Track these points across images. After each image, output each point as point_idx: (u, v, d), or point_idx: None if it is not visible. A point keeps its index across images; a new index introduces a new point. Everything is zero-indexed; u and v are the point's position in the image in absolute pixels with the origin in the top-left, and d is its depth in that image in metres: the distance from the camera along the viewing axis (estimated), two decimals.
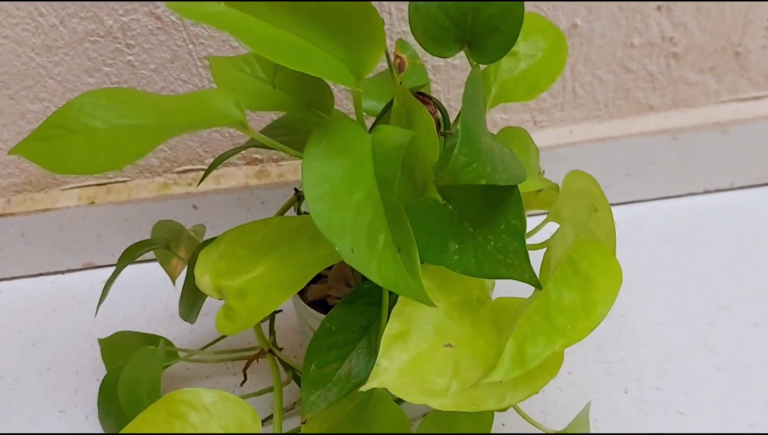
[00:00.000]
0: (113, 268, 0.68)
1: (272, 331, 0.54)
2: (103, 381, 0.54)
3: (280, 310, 0.54)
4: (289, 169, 0.63)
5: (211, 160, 0.63)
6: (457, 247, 0.34)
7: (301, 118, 0.44)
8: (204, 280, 0.41)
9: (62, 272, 0.68)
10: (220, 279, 0.40)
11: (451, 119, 0.45)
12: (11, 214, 0.64)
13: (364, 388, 0.33)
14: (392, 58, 0.49)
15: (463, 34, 0.36)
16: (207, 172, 0.46)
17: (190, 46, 0.55)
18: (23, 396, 0.60)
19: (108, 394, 0.53)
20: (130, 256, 0.49)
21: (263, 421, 0.54)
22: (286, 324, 0.61)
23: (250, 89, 0.43)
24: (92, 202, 0.63)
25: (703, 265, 0.62)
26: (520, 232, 0.31)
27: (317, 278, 0.51)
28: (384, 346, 0.33)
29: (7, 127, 0.60)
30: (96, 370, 0.60)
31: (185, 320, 0.52)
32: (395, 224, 0.33)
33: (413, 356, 0.33)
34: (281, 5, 0.33)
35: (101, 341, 0.57)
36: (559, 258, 0.31)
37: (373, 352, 0.43)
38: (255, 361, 0.53)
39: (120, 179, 0.63)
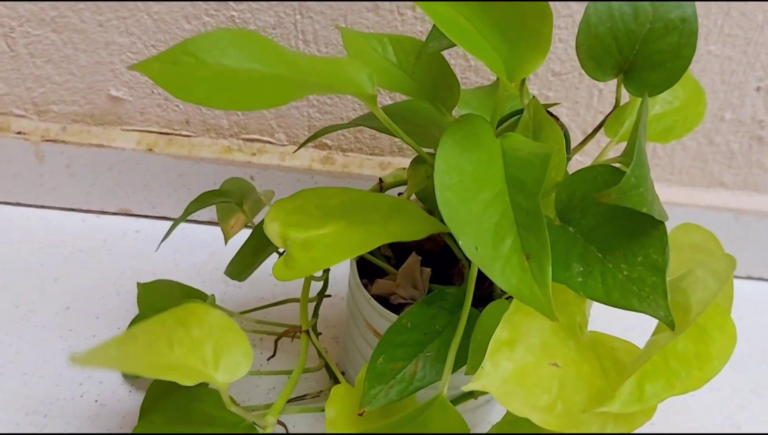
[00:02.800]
0: (149, 220, 0.66)
1: (316, 314, 0.53)
2: (134, 320, 0.51)
3: (329, 295, 0.53)
4: (354, 162, 0.62)
5: (282, 136, 0.61)
6: (581, 269, 0.33)
7: (421, 107, 0.43)
8: (272, 226, 0.40)
9: (96, 213, 0.66)
10: (288, 229, 0.39)
11: None
12: (63, 141, 0.62)
13: (466, 388, 0.32)
14: None
15: (624, 62, 0.36)
16: (308, 140, 0.45)
17: (297, 17, 0.55)
18: (37, 329, 0.57)
19: None
20: (202, 202, 0.47)
21: (289, 401, 0.53)
22: (323, 314, 0.59)
23: (377, 67, 0.42)
24: (150, 150, 0.61)
25: (738, 349, 0.62)
26: (661, 268, 0.30)
27: (383, 274, 0.50)
28: (491, 350, 0.32)
29: (86, 54, 0.58)
30: (118, 318, 0.58)
31: (233, 278, 0.50)
32: (528, 231, 0.32)
33: (518, 367, 0.32)
34: None
35: (140, 285, 0.54)
36: (703, 303, 0.30)
37: (440, 359, 0.41)
38: (290, 338, 0.52)
39: (184, 133, 0.62)
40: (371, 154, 0.63)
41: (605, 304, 0.32)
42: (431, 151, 0.44)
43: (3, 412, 0.52)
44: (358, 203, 0.42)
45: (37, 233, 0.64)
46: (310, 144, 0.62)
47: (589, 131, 0.60)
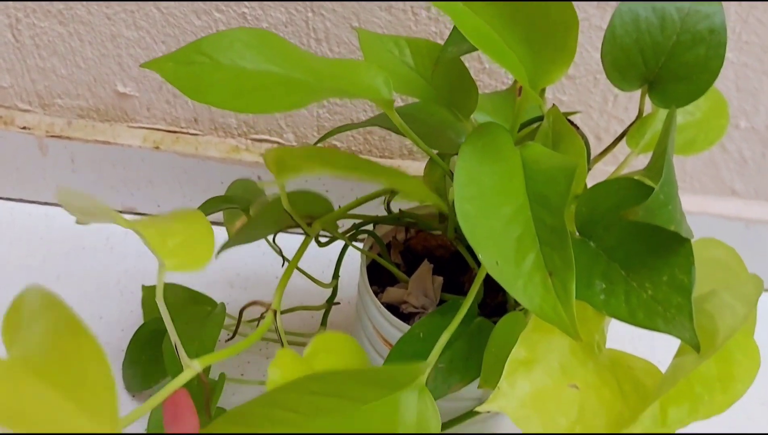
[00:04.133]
0: None
1: (324, 322, 0.52)
2: (139, 329, 0.51)
3: (338, 303, 0.52)
4: None
5: (291, 136, 0.60)
6: (604, 286, 0.32)
7: (436, 112, 0.42)
8: (270, 154, 0.38)
9: None
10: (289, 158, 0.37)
11: None
12: (68, 137, 0.61)
13: (481, 409, 0.32)
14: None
15: (649, 73, 0.35)
16: (320, 140, 0.44)
17: (309, 14, 0.54)
18: None
19: (141, 344, 0.50)
20: (209, 208, 0.46)
21: None
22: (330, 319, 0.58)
23: (394, 70, 0.41)
24: (157, 147, 0.60)
25: None
26: (687, 289, 0.30)
27: (392, 280, 0.49)
28: (508, 370, 0.32)
29: (92, 46, 0.57)
30: (122, 320, 0.57)
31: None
32: (552, 248, 0.32)
33: (537, 389, 0.31)
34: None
35: (145, 288, 0.54)
36: (732, 329, 0.30)
37: (453, 371, 0.41)
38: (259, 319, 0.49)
39: (191, 131, 0.61)
40: (381, 157, 0.62)
41: (629, 323, 0.31)
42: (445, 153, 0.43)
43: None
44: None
45: (39, 229, 0.63)
46: (318, 145, 0.61)
47: (602, 135, 0.60)
